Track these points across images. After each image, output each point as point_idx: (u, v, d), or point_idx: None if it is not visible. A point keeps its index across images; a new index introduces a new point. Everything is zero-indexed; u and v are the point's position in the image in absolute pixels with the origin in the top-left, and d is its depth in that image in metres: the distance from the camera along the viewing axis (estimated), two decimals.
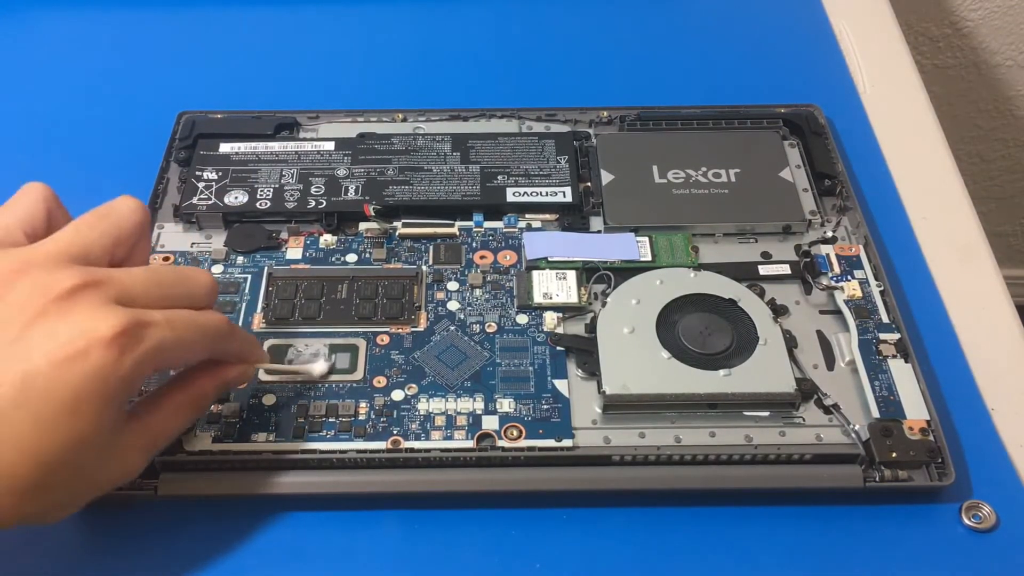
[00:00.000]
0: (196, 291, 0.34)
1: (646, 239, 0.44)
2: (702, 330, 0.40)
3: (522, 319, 0.41)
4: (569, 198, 0.46)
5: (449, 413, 0.38)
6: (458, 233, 0.45)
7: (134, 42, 0.59)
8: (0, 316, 0.29)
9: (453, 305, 0.42)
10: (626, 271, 0.43)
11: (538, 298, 0.42)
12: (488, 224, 0.45)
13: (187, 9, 0.61)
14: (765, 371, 0.38)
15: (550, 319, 0.41)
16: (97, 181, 0.50)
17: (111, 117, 0.54)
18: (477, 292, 0.42)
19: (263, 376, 0.39)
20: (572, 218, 0.45)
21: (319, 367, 0.39)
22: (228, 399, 0.38)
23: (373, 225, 0.45)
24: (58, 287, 0.30)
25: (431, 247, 0.44)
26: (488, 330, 0.41)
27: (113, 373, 0.29)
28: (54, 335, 0.29)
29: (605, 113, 0.51)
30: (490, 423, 0.37)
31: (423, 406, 0.38)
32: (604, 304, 0.41)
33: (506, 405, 0.38)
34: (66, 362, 0.29)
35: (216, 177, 0.46)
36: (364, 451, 0.37)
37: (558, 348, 0.40)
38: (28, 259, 0.31)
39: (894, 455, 0.36)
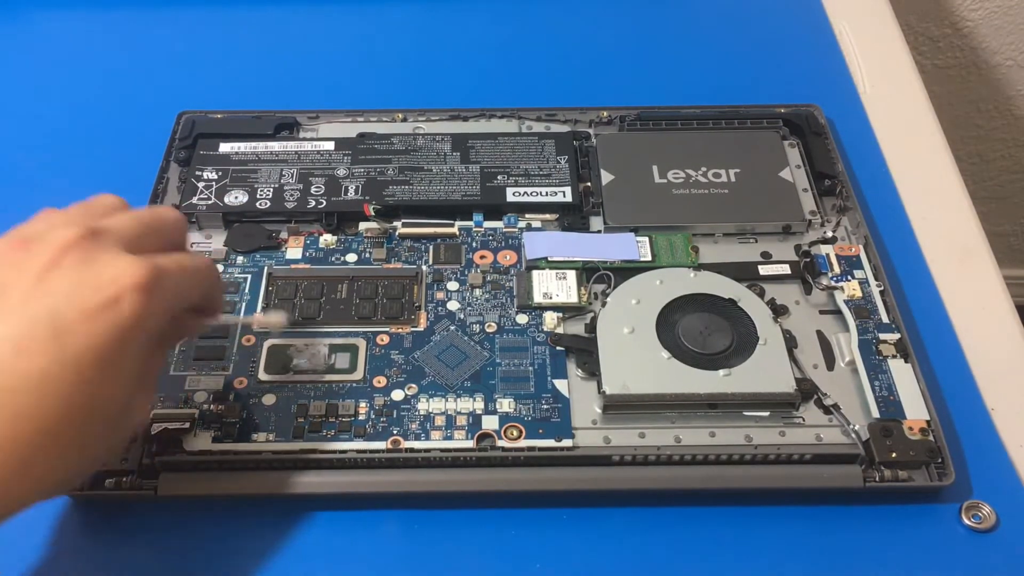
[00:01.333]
0: (173, 227, 0.34)
1: (646, 239, 0.44)
2: (702, 330, 0.40)
3: (522, 319, 0.41)
4: (569, 198, 0.46)
5: (449, 413, 0.38)
6: (458, 233, 0.45)
7: (134, 42, 0.59)
8: (5, 275, 0.29)
9: (453, 305, 0.42)
10: (626, 271, 0.43)
11: (538, 298, 0.42)
12: (488, 224, 0.45)
13: (187, 9, 0.61)
14: (765, 371, 0.38)
15: (550, 319, 0.41)
16: (97, 181, 0.50)
17: (111, 117, 0.54)
18: (477, 292, 0.42)
19: (263, 376, 0.39)
20: (572, 218, 0.45)
21: (276, 317, 0.39)
22: (228, 399, 0.38)
23: (373, 225, 0.45)
24: (62, 240, 0.29)
25: (431, 247, 0.44)
26: (488, 330, 0.41)
27: (144, 319, 0.29)
28: (77, 285, 0.29)
29: (605, 113, 0.51)
30: (490, 423, 0.37)
31: (423, 406, 0.38)
32: (604, 304, 0.41)
33: (506, 405, 0.38)
34: (99, 311, 0.28)
35: (216, 177, 0.46)
36: (364, 451, 0.37)
37: (558, 348, 0.40)
38: (36, 229, 0.31)
39: (894, 455, 0.36)
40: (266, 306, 0.42)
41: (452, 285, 0.43)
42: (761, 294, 0.42)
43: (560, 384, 0.39)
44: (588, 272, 0.43)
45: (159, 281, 0.30)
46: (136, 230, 0.32)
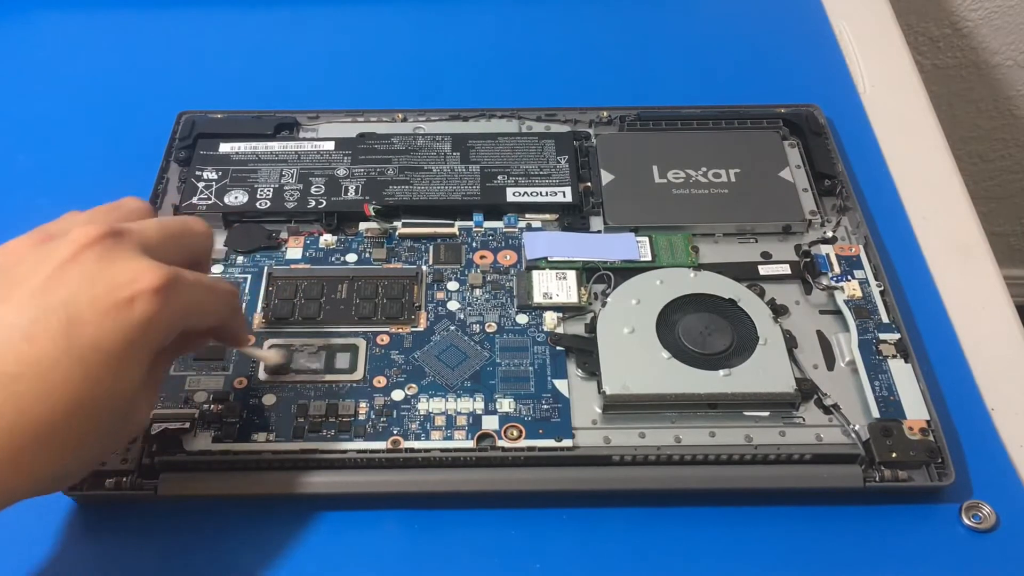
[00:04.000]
0: (199, 241, 0.34)
1: (646, 239, 0.44)
2: (702, 330, 0.40)
3: (522, 319, 0.41)
4: (569, 198, 0.46)
5: (449, 413, 0.38)
6: (458, 233, 0.45)
7: (134, 42, 0.59)
8: (24, 268, 0.29)
9: (453, 305, 0.42)
10: (626, 271, 0.43)
11: (538, 298, 0.42)
12: (488, 224, 0.45)
13: (187, 9, 0.61)
14: (765, 371, 0.38)
15: (550, 319, 0.41)
16: (97, 181, 0.50)
17: (111, 117, 0.54)
18: (477, 292, 0.42)
19: (263, 376, 0.39)
20: (572, 218, 0.45)
21: (273, 355, 0.39)
22: (228, 399, 0.38)
23: (373, 225, 0.45)
24: (83, 236, 0.29)
25: (431, 247, 0.44)
26: (488, 330, 0.41)
27: (156, 324, 0.29)
28: (93, 281, 0.29)
29: (605, 113, 0.51)
30: (490, 423, 0.37)
31: (423, 406, 0.38)
32: (604, 304, 0.41)
33: (506, 405, 0.38)
34: (113, 310, 0.28)
35: (216, 177, 0.46)
36: (364, 451, 0.37)
37: (558, 348, 0.40)
38: (58, 227, 0.31)
39: (894, 455, 0.36)
40: (267, 313, 0.42)
41: (452, 285, 0.43)
42: (761, 294, 0.42)
43: (560, 384, 0.39)
44: (588, 272, 0.43)
45: (175, 289, 0.30)
46: (159, 236, 0.32)
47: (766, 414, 0.38)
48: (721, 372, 0.38)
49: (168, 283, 0.30)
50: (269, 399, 0.38)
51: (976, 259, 0.47)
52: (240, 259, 0.44)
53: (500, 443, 0.37)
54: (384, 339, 0.40)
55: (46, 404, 0.28)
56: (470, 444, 0.37)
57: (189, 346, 0.35)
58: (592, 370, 0.39)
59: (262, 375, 0.39)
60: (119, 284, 0.29)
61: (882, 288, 0.42)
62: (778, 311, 0.41)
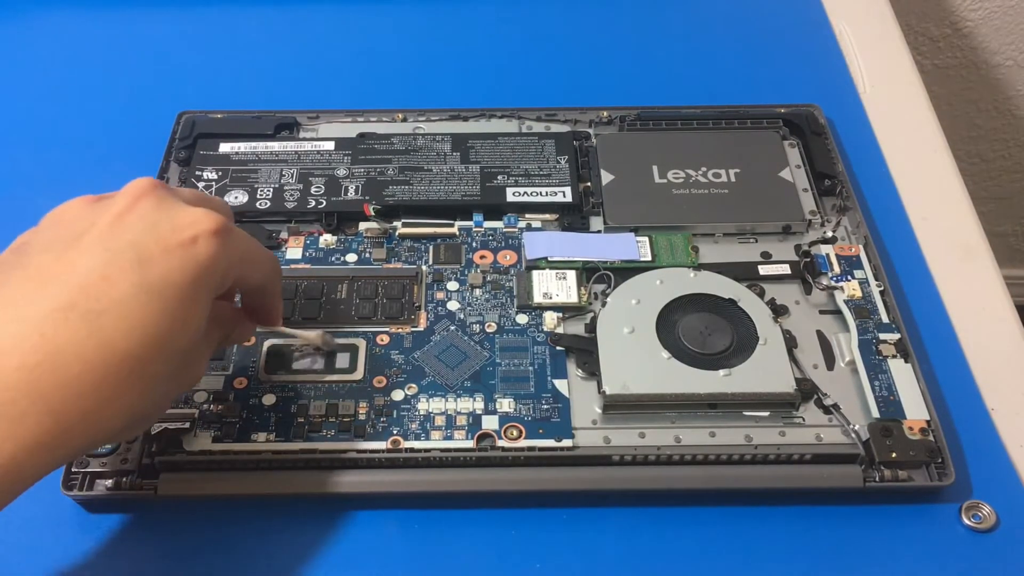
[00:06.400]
0: (224, 209, 0.35)
1: (646, 239, 0.44)
2: (702, 330, 0.40)
3: (522, 319, 0.41)
4: (569, 198, 0.46)
5: (449, 413, 0.38)
6: (458, 233, 0.45)
7: (134, 42, 0.59)
8: (85, 221, 0.30)
9: (453, 305, 0.42)
10: (626, 271, 0.43)
11: (538, 298, 0.42)
12: (488, 224, 0.45)
13: (187, 9, 0.61)
14: (765, 371, 0.38)
15: (550, 319, 0.41)
16: (97, 181, 0.49)
17: (111, 117, 0.54)
18: (477, 292, 0.42)
19: (263, 376, 0.39)
20: (572, 218, 0.45)
21: (315, 335, 0.39)
22: (228, 399, 0.38)
23: (373, 225, 0.45)
24: (137, 188, 0.31)
25: (431, 247, 0.44)
26: (488, 330, 0.41)
27: (217, 264, 0.31)
28: (155, 224, 0.30)
29: (605, 113, 0.51)
30: (490, 423, 0.37)
31: (423, 406, 0.38)
32: (604, 304, 0.41)
33: (506, 405, 0.38)
34: (178, 248, 0.30)
35: (216, 177, 0.46)
36: (364, 451, 0.37)
37: (558, 348, 0.40)
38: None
39: (894, 455, 0.36)
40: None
41: (452, 285, 0.43)
42: (761, 294, 0.42)
43: (560, 384, 0.39)
44: (588, 272, 0.43)
45: (230, 234, 0.31)
46: (195, 198, 0.33)
47: (766, 414, 0.38)
48: (721, 372, 0.38)
49: (224, 227, 0.31)
50: (269, 399, 0.38)
51: (976, 259, 0.47)
52: None
53: (500, 443, 0.37)
54: (384, 339, 0.40)
55: (130, 338, 0.29)
56: (470, 444, 0.37)
57: (233, 330, 0.36)
58: (592, 370, 0.39)
59: (262, 375, 0.39)
60: (180, 226, 0.30)
61: (882, 288, 0.42)
62: (778, 311, 0.41)
